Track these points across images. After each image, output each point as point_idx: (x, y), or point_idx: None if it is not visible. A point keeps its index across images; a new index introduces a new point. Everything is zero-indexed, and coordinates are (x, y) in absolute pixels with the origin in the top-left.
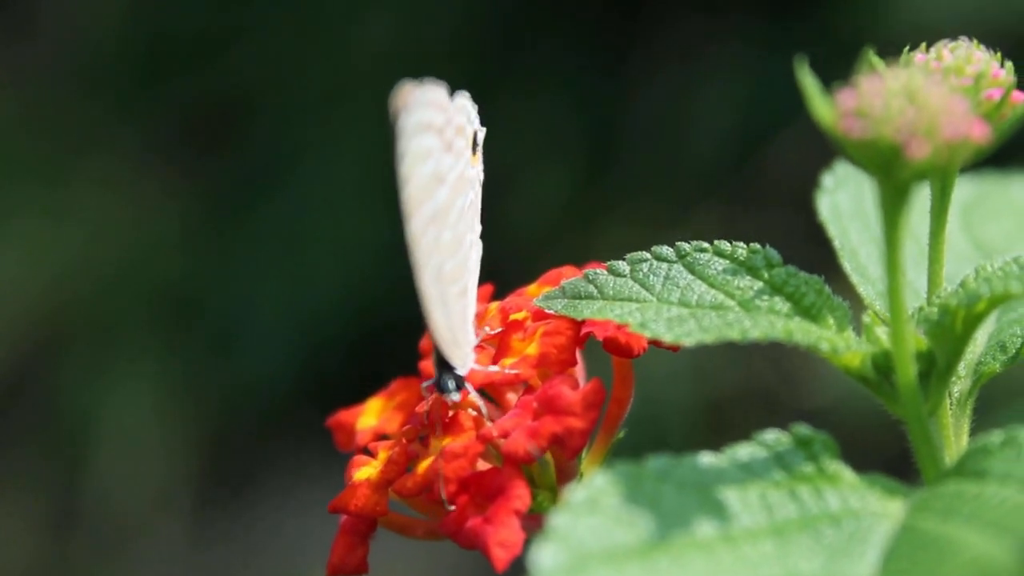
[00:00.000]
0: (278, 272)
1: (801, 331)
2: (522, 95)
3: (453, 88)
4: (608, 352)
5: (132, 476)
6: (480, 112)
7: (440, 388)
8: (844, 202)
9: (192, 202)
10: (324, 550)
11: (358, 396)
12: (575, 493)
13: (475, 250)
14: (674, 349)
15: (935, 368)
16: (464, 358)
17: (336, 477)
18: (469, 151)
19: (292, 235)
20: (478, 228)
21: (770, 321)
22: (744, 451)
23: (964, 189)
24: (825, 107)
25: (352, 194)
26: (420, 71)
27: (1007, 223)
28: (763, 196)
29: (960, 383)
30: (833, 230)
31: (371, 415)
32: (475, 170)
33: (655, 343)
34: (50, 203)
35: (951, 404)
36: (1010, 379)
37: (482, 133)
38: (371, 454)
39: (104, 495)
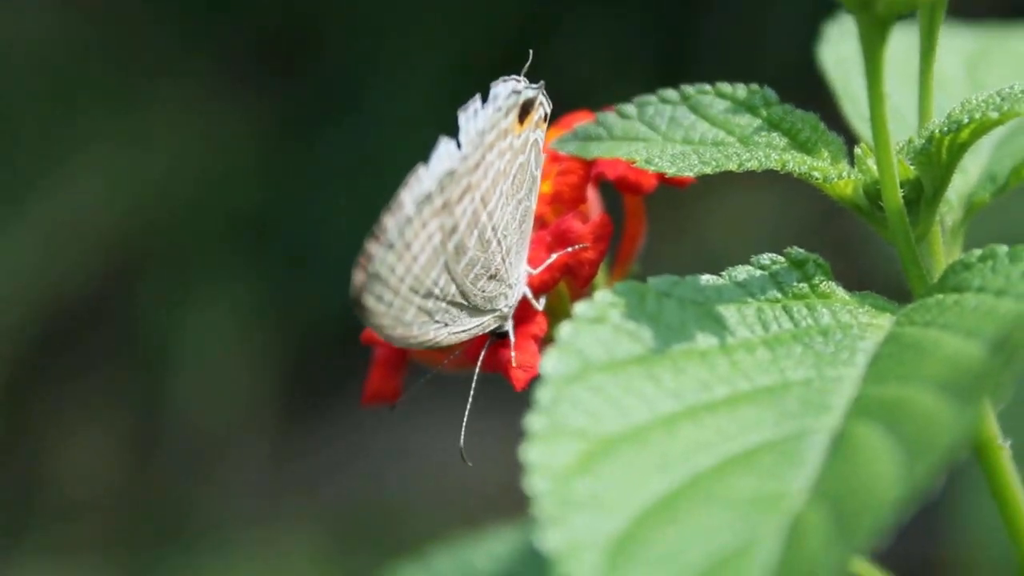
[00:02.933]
0: (354, 191)
1: (795, 161)
2: (593, 15)
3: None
4: (620, 191)
5: (215, 395)
6: (550, 36)
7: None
8: (847, 52)
9: (267, 124)
10: (408, 466)
11: None
12: (581, 307)
13: (522, 206)
14: (681, 185)
15: (923, 195)
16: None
17: (421, 396)
18: (508, 136)
19: (367, 155)
20: (530, 185)
21: (766, 153)
22: (741, 272)
23: (968, 42)
24: None
25: (425, 112)
26: None
27: (1008, 71)
28: (832, 109)
29: (952, 213)
30: (835, 76)
31: None
32: (522, 138)
33: (662, 178)
34: (127, 129)
35: (943, 233)
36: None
37: (538, 96)
38: None
39: (187, 414)
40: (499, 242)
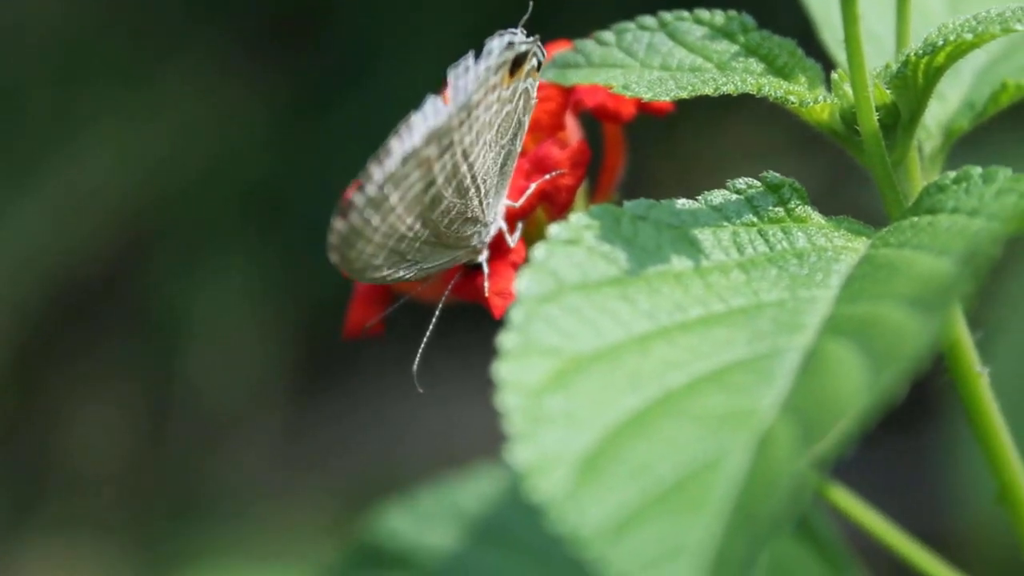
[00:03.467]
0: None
1: (771, 85)
2: None
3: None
4: (599, 119)
5: (227, 369)
6: (562, 5)
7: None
8: None
9: (279, 97)
10: (420, 439)
11: None
12: (555, 229)
13: (504, 151)
14: (660, 113)
15: (900, 120)
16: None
17: (436, 365)
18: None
19: (379, 129)
20: (516, 130)
21: (742, 78)
22: (717, 196)
23: None
24: None
25: (438, 85)
26: None
27: (991, 2)
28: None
29: (931, 140)
30: (814, 3)
31: None
32: (511, 89)
33: (640, 107)
34: (137, 104)
35: (922, 160)
36: None
37: (531, 49)
38: None
39: (199, 388)
40: (477, 188)
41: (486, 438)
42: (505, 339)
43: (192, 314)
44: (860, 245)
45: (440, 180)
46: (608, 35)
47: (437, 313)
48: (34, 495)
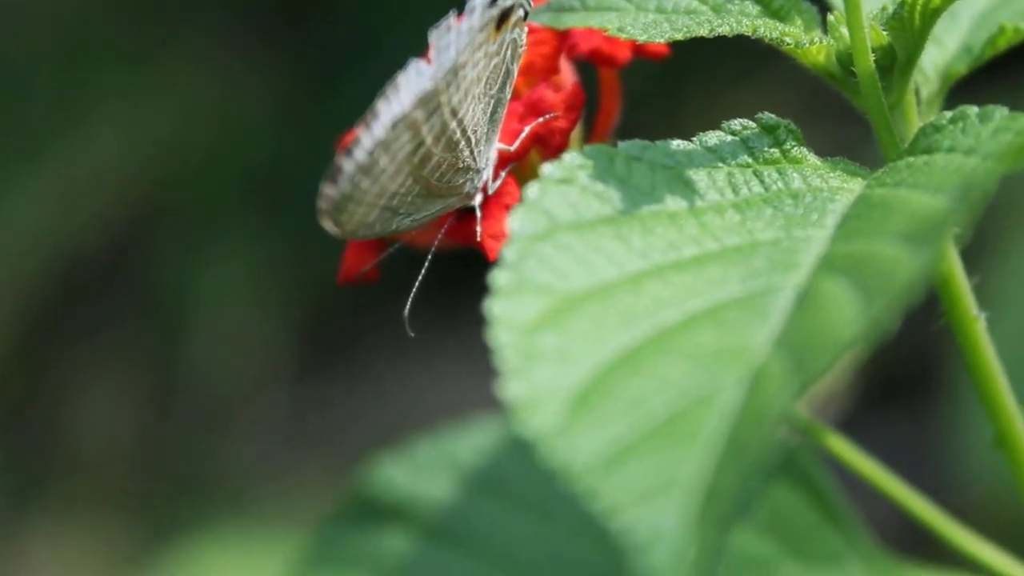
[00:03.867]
0: None
1: (767, 27)
2: None
3: None
4: (595, 63)
5: (231, 350)
6: None
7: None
8: None
9: (283, 78)
10: (425, 418)
11: (455, 262)
12: (548, 168)
13: (494, 100)
14: (656, 57)
15: (896, 62)
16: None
17: (440, 344)
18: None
19: None
20: (505, 79)
21: (738, 20)
22: (712, 137)
23: None
24: None
25: None
26: None
27: None
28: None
29: (928, 84)
30: None
31: None
32: (497, 43)
33: (636, 51)
34: (141, 84)
35: (919, 105)
36: None
37: (515, 1)
38: None
39: (204, 369)
40: (467, 140)
41: (493, 414)
42: (497, 276)
43: (196, 294)
44: (856, 185)
45: (429, 140)
46: None
47: (429, 259)
48: (40, 474)
